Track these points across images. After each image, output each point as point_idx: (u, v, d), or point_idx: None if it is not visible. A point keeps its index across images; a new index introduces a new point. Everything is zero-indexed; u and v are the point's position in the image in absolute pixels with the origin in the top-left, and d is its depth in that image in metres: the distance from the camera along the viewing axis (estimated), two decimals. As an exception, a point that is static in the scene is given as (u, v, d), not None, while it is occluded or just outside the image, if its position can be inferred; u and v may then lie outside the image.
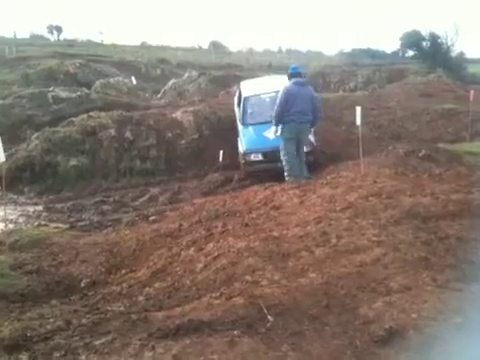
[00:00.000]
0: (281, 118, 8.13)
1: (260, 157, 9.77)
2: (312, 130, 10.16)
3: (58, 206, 9.88)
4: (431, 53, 31.66)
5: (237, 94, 12.44)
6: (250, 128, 10.50)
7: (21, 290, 5.10)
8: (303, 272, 4.02)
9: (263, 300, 3.47)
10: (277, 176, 9.23)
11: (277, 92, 10.97)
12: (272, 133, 8.49)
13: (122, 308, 4.09)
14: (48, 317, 3.91)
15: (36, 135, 12.26)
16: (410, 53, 36.85)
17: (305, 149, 9.19)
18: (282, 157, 8.42)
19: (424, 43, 33.38)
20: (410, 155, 8.39)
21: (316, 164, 9.88)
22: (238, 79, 18.93)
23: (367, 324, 3.10)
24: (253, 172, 9.93)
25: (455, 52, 32.74)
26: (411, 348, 2.79)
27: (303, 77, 8.54)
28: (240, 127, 10.74)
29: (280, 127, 8.31)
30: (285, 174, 8.43)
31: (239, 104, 11.34)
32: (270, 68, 28.56)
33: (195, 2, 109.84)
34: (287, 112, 8.07)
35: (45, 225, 8.37)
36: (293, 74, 8.47)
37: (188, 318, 3.32)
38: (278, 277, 3.97)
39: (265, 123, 10.09)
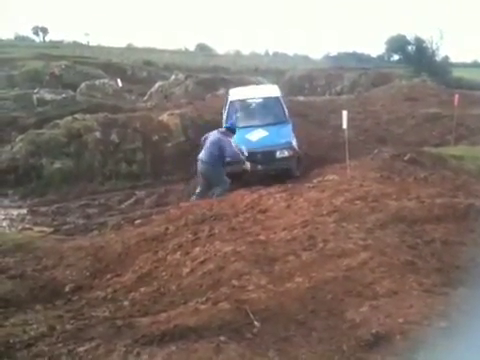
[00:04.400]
0: None
1: None
2: (293, 135, 10.27)
3: (42, 209, 9.74)
4: (416, 57, 31.89)
5: (225, 100, 12.50)
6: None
7: (4, 295, 5.00)
8: (290, 276, 4.01)
9: (250, 305, 3.45)
10: (264, 179, 9.26)
11: (264, 98, 11.18)
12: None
13: (107, 313, 4.04)
14: (31, 323, 3.85)
15: (20, 137, 12.07)
16: (395, 57, 37.21)
17: (286, 153, 9.68)
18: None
19: (409, 47, 33.66)
20: (396, 158, 8.46)
21: (298, 169, 10.01)
22: (225, 82, 18.90)
23: (354, 329, 3.10)
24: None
25: (440, 56, 32.99)
26: (397, 353, 2.80)
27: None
28: None
29: None
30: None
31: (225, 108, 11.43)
32: (257, 72, 28.54)
33: (182, 4, 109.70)
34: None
35: (29, 229, 8.26)
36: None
37: (174, 324, 3.29)
38: (265, 282, 3.95)
39: (249, 127, 10.23)
